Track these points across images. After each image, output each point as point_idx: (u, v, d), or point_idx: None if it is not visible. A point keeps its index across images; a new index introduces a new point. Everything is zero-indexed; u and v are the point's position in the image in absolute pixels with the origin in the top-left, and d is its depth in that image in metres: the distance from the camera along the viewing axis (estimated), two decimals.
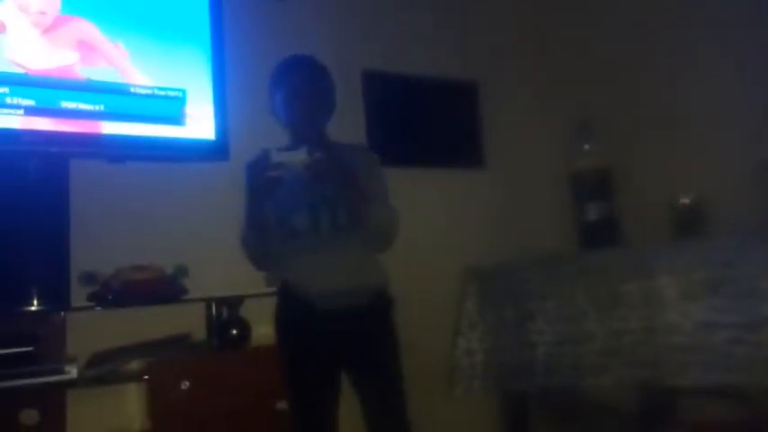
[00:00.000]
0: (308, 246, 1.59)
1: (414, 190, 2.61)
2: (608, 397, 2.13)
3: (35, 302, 1.83)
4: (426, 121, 2.71)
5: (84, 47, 1.94)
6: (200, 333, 2.03)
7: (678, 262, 1.68)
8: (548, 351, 1.92)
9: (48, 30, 1.90)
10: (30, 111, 1.84)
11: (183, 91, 2.05)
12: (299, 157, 1.51)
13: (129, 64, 1.99)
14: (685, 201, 1.97)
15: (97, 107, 1.93)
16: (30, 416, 1.83)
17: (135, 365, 1.84)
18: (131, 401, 1.93)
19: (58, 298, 1.87)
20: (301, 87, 1.66)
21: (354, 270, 1.61)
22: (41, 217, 1.90)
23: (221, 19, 2.15)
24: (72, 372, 1.72)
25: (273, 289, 1.72)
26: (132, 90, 1.99)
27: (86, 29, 1.95)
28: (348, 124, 2.50)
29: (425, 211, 2.62)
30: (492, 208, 2.76)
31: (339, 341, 1.60)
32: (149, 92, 2.00)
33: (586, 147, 2.07)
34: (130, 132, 1.98)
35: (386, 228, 1.65)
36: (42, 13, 1.89)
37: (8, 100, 1.82)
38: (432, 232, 2.63)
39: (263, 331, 2.02)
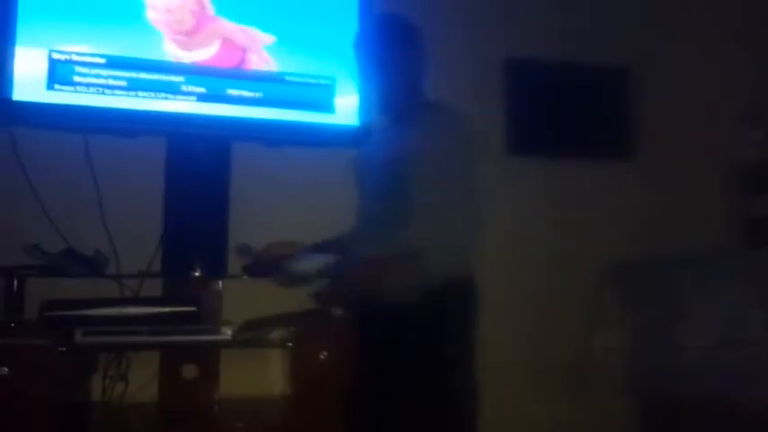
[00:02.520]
0: None
1: (557, 182, 2.54)
2: None
3: (198, 270, 2.05)
4: (572, 111, 2.61)
5: (225, 43, 2.10)
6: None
7: None
8: (701, 355, 1.77)
9: (190, 33, 2.08)
10: (201, 97, 2.06)
11: (333, 79, 2.17)
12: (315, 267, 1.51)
13: (265, 54, 2.13)
14: None
15: (256, 94, 2.11)
16: (190, 370, 2.05)
17: (280, 333, 1.98)
18: (275, 366, 2.08)
19: (217, 267, 2.07)
20: (366, 65, 1.57)
21: None
22: (206, 194, 2.11)
23: (370, 8, 2.23)
24: (227, 333, 1.89)
25: None
26: (287, 79, 2.14)
27: (228, 27, 2.10)
28: (486, 114, 2.50)
29: (568, 204, 2.53)
30: (641, 201, 2.59)
31: None
32: (302, 80, 2.15)
33: (756, 134, 1.87)
34: (285, 118, 2.14)
35: None
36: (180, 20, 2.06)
37: (184, 88, 2.05)
38: (574, 227, 2.54)
39: None
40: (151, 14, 2.03)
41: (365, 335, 1.58)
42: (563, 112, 2.60)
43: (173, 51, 2.05)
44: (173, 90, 2.03)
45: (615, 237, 2.51)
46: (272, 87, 2.12)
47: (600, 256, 2.42)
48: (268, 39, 2.13)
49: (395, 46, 1.58)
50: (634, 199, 2.60)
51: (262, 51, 2.13)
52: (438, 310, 1.46)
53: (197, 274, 2.03)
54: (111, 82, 1.97)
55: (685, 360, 1.84)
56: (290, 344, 1.94)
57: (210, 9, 2.09)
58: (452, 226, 1.44)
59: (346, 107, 2.18)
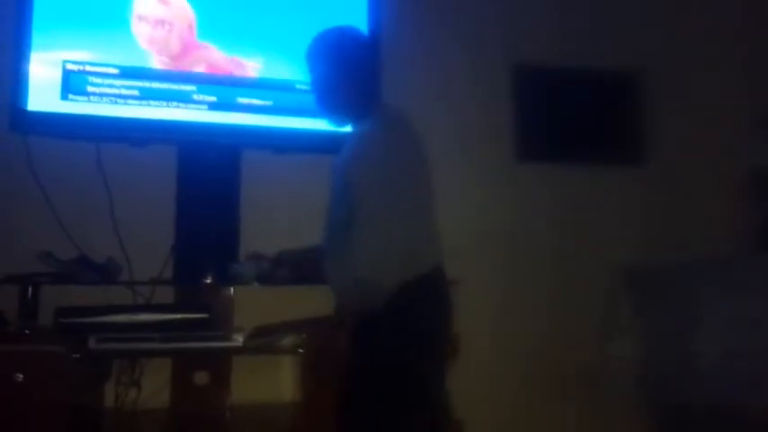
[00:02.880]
0: None
1: (566, 187, 2.55)
2: None
3: (209, 276, 2.06)
4: (580, 116, 2.61)
5: (210, 68, 2.12)
6: None
7: None
8: (716, 363, 1.76)
9: (175, 57, 2.09)
10: (212, 106, 2.08)
11: None
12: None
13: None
14: None
15: (267, 102, 2.13)
16: (202, 377, 2.06)
17: (291, 340, 1.99)
18: (286, 373, 2.08)
19: (228, 274, 2.08)
20: (313, 75, 1.64)
21: None
22: (217, 201, 2.13)
23: (379, 20, 2.25)
24: (238, 339, 1.89)
25: None
26: (298, 87, 2.16)
27: (213, 55, 2.12)
28: (494, 120, 2.51)
29: (578, 208, 2.54)
30: (651, 206, 2.58)
31: None
32: None
33: None
34: (295, 126, 2.16)
35: None
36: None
37: (195, 97, 2.07)
38: (584, 232, 2.54)
39: None
40: (140, 40, 2.06)
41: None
42: (571, 117, 2.60)
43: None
44: (184, 99, 2.05)
45: (626, 242, 2.50)
46: (282, 96, 2.15)
47: (610, 261, 2.42)
48: (255, 64, 2.14)
49: (338, 59, 1.61)
50: (645, 204, 2.59)
51: (250, 72, 2.14)
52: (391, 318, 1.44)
53: (208, 281, 2.04)
54: (124, 92, 2.00)
55: (699, 367, 1.83)
56: (300, 350, 1.95)
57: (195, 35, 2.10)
58: (391, 233, 1.42)
59: None
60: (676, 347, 1.90)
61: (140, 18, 2.05)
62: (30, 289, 1.86)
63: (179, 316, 1.88)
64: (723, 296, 1.75)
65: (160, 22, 2.07)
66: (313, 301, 2.07)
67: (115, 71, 2.00)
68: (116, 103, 1.99)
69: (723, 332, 1.76)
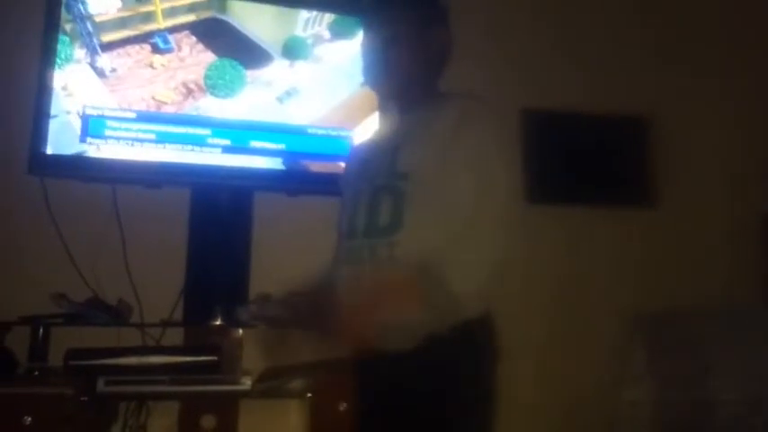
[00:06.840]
0: None
1: (578, 230, 2.54)
2: None
3: (219, 318, 2.06)
4: (591, 158, 2.63)
5: None
6: None
7: None
8: (732, 412, 1.72)
9: None
10: (226, 149, 2.12)
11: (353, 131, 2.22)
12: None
13: None
14: None
15: (279, 146, 2.17)
16: (209, 420, 2.03)
17: (299, 383, 1.97)
18: (294, 417, 2.06)
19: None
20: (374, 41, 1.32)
21: None
22: (228, 243, 2.14)
23: None
24: (247, 383, 1.88)
25: None
26: (310, 131, 2.20)
27: None
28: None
29: (591, 250, 2.52)
30: (663, 250, 2.57)
31: None
32: (324, 132, 2.21)
33: None
34: (307, 169, 2.19)
35: None
36: None
37: (209, 140, 2.11)
38: (597, 273, 2.52)
39: None
40: None
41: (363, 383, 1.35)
42: (583, 160, 2.62)
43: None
44: (199, 142, 2.10)
45: (638, 286, 2.48)
46: (294, 139, 2.18)
47: (623, 304, 2.39)
48: None
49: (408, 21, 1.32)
50: (657, 247, 2.57)
51: None
52: (446, 356, 1.16)
53: (218, 322, 2.04)
54: (141, 135, 2.04)
55: (715, 414, 1.79)
56: (309, 394, 1.93)
57: None
58: (461, 241, 1.14)
59: None
60: (692, 394, 1.85)
61: None
62: (41, 330, 1.87)
63: (188, 358, 1.88)
64: (737, 343, 1.72)
65: None
66: (322, 344, 2.07)
67: (132, 115, 2.05)
68: (132, 145, 2.04)
69: (738, 380, 1.73)
